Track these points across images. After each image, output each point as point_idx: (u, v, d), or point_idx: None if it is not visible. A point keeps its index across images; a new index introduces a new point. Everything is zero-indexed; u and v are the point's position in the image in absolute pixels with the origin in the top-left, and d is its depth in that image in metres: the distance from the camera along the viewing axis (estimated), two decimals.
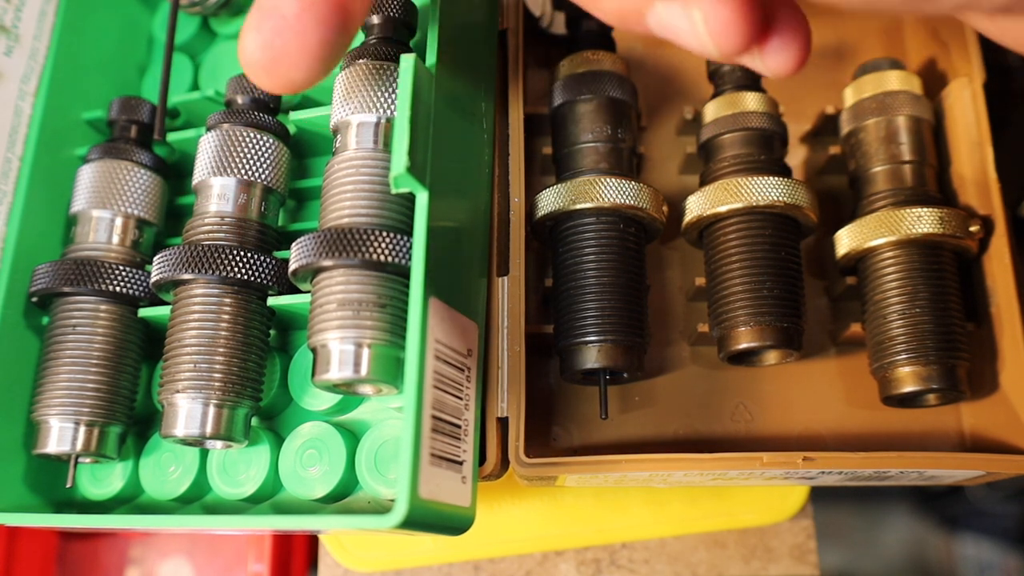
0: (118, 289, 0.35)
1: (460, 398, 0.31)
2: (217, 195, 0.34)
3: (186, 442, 0.33)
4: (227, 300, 0.33)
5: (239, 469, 0.35)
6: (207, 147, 0.35)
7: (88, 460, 0.36)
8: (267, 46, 0.25)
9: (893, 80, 0.39)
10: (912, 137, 0.38)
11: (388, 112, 0.32)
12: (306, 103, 0.38)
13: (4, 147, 0.38)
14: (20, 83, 0.39)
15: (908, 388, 0.35)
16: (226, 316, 0.33)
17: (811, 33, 0.25)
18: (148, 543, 0.53)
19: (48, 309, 0.36)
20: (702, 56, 0.24)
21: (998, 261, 0.36)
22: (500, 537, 0.45)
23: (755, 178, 0.36)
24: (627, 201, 0.35)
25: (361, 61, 0.32)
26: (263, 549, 0.49)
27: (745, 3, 0.22)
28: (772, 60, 0.24)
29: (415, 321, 0.27)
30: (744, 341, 0.35)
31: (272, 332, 0.35)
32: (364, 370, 0.30)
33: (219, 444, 0.34)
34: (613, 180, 0.35)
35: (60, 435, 0.34)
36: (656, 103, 0.43)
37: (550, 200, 0.36)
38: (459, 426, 0.30)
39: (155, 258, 0.34)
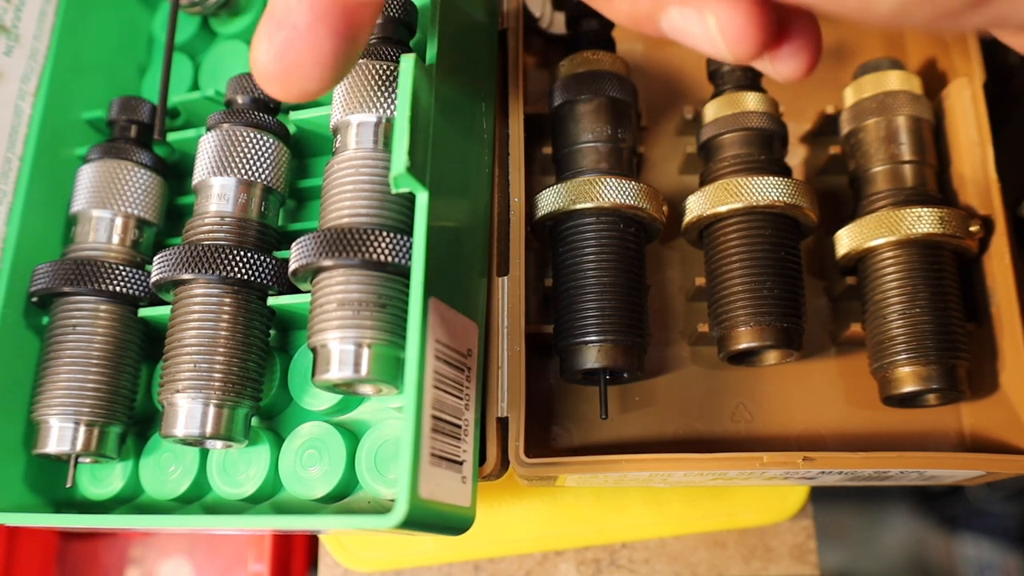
0: (118, 289, 0.35)
1: (460, 398, 0.31)
2: (217, 195, 0.34)
3: (186, 442, 0.33)
4: (227, 300, 0.33)
5: (239, 469, 0.35)
6: (207, 147, 0.35)
7: (88, 460, 0.36)
8: (279, 57, 0.25)
9: (893, 80, 0.39)
10: (912, 137, 0.38)
11: (388, 112, 0.32)
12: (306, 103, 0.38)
13: (4, 147, 0.38)
14: (20, 83, 0.39)
15: (908, 388, 0.35)
16: (226, 316, 0.33)
17: (822, 40, 0.25)
18: (148, 543, 0.53)
19: (48, 309, 0.36)
20: (714, 58, 0.24)
21: (998, 261, 0.36)
22: (500, 537, 0.45)
23: (755, 178, 0.36)
24: (627, 201, 0.35)
25: (361, 61, 0.32)
26: (263, 549, 0.49)
27: (758, 10, 0.23)
28: (783, 65, 0.25)
29: (415, 321, 0.27)
30: (744, 341, 0.35)
31: (272, 332, 0.35)
32: (364, 370, 0.30)
33: (219, 444, 0.34)
34: (613, 180, 0.35)
35: (60, 435, 0.34)
36: (656, 103, 0.43)
37: (550, 200, 0.36)
38: (459, 426, 0.30)
39: (155, 258, 0.34)
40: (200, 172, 0.35)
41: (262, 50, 0.25)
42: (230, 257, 0.33)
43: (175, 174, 0.40)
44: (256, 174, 0.34)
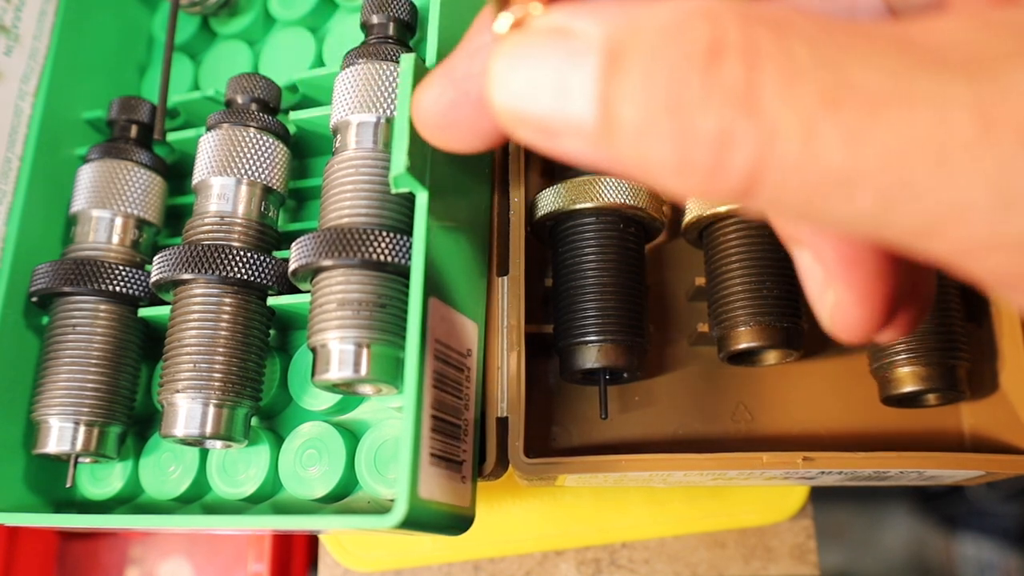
0: (118, 289, 0.35)
1: (460, 398, 0.31)
2: (217, 195, 0.34)
3: (186, 442, 0.33)
4: (227, 300, 0.33)
5: (239, 469, 0.35)
6: (207, 147, 0.35)
7: (88, 460, 0.36)
8: (444, 113, 0.26)
9: None
10: None
11: (388, 112, 0.32)
12: (306, 103, 0.38)
13: (4, 147, 0.38)
14: (20, 83, 0.39)
15: (908, 388, 0.35)
16: (226, 316, 0.33)
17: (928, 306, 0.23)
18: (148, 543, 0.53)
19: (48, 309, 0.36)
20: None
21: None
22: (500, 537, 0.45)
23: None
24: (627, 201, 0.35)
25: (361, 61, 0.32)
26: (263, 549, 0.49)
27: (879, 309, 0.21)
28: (878, 336, 0.23)
29: (415, 321, 0.27)
30: (744, 341, 0.35)
31: (272, 332, 0.35)
32: (364, 370, 0.30)
33: (219, 444, 0.34)
34: (613, 180, 0.35)
35: (60, 435, 0.34)
36: None
37: (550, 200, 0.36)
38: (459, 426, 0.30)
39: (155, 258, 0.34)
40: (200, 172, 0.35)
41: (430, 98, 0.26)
42: (230, 257, 0.33)
43: (175, 174, 0.40)
44: (256, 174, 0.34)
